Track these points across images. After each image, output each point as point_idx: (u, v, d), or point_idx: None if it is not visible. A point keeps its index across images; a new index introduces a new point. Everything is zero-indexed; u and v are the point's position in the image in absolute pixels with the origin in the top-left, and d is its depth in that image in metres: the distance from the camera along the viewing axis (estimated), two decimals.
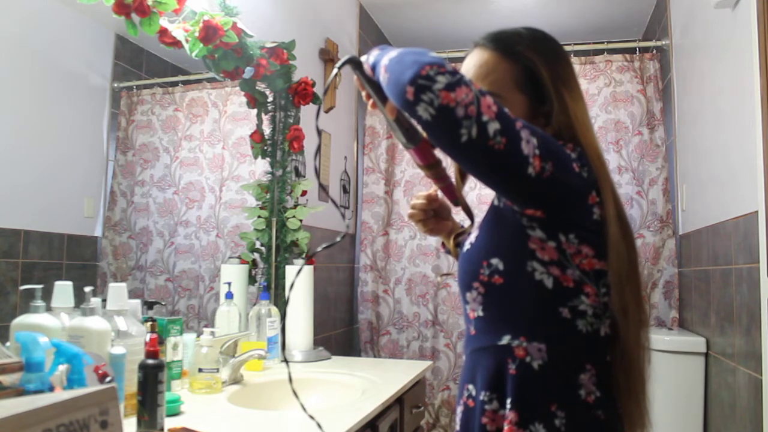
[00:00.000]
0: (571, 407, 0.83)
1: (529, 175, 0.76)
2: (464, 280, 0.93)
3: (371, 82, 0.87)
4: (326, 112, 2.77)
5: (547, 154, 0.78)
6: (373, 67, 0.84)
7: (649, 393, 0.90)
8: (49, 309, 1.19)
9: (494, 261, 0.87)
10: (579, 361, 0.85)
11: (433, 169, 0.93)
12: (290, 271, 2.02)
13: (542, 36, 0.95)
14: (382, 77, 0.79)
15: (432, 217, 1.11)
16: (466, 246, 0.93)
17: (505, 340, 0.86)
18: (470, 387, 0.92)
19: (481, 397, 0.88)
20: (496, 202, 0.92)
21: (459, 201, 1.01)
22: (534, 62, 0.91)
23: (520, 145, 0.74)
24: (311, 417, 0.95)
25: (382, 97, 0.86)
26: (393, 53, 0.80)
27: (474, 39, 0.97)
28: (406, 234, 3.14)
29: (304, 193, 2.16)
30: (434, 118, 0.70)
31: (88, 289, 1.21)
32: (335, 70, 0.89)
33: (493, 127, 0.72)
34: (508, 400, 0.84)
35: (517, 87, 0.91)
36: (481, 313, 0.90)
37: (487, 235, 0.90)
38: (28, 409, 0.57)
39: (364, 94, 0.91)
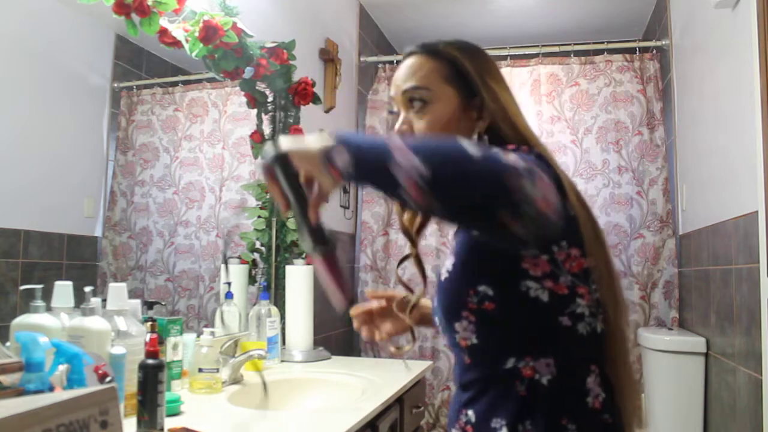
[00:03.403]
0: (582, 417, 0.82)
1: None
2: (449, 310, 0.88)
3: (293, 183, 0.77)
4: (326, 112, 2.77)
5: None
6: (362, 160, 0.70)
7: (638, 387, 0.91)
8: (49, 309, 1.19)
9: (482, 288, 0.83)
10: (585, 365, 0.84)
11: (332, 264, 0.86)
12: (290, 271, 2.02)
13: (468, 42, 0.99)
14: (417, 174, 0.66)
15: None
16: (443, 275, 0.88)
17: (510, 363, 0.84)
18: (469, 413, 0.88)
19: (493, 425, 0.84)
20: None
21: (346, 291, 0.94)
22: (456, 57, 0.94)
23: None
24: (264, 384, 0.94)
25: (302, 199, 0.78)
26: (401, 144, 0.68)
27: (403, 50, 1.01)
28: None
29: None
30: (529, 225, 0.70)
31: (88, 289, 1.21)
32: (262, 170, 0.78)
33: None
34: (521, 426, 0.82)
35: (445, 81, 0.93)
36: (475, 341, 0.86)
37: (468, 262, 0.86)
38: (28, 409, 0.57)
39: (275, 193, 0.78)
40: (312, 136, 0.74)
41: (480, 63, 0.95)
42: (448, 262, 0.89)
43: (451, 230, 0.94)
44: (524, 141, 0.90)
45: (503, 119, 0.92)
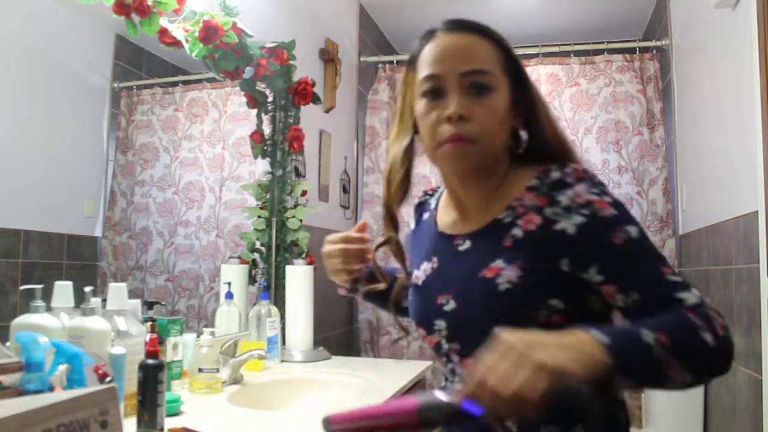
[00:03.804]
0: (620, 410, 0.86)
1: None
2: (511, 323, 0.79)
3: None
4: (326, 112, 2.77)
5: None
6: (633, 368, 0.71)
7: None
8: (49, 309, 1.19)
9: (553, 302, 0.81)
10: None
11: None
12: (290, 271, 2.02)
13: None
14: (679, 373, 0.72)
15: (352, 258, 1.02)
16: (502, 285, 0.83)
17: None
18: (508, 425, 0.85)
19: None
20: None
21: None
22: (509, 47, 0.90)
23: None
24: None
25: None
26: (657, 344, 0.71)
27: (438, 26, 0.92)
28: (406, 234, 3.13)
29: (304, 193, 2.16)
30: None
31: (88, 289, 1.21)
32: None
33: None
34: (575, 430, 0.82)
35: (501, 67, 0.88)
36: None
37: (538, 274, 0.82)
38: (28, 409, 0.57)
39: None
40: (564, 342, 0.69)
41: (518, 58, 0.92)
42: (507, 272, 0.83)
43: (502, 236, 0.87)
44: (562, 144, 0.89)
45: (543, 116, 0.89)
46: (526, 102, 0.89)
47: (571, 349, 0.68)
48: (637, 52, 3.03)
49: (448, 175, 0.93)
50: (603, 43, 3.06)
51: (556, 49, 3.11)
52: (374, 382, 1.63)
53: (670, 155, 2.93)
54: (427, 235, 0.99)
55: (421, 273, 0.96)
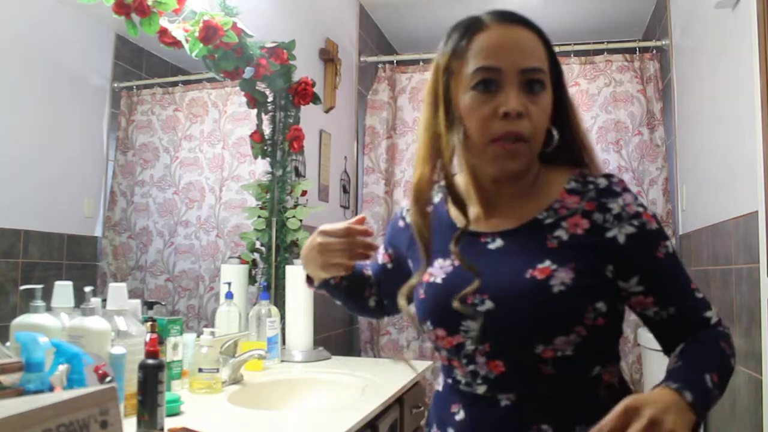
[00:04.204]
0: None
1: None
2: (560, 324, 0.82)
3: None
4: (326, 112, 2.77)
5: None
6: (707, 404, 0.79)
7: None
8: (49, 309, 1.19)
9: (599, 305, 0.82)
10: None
11: None
12: (290, 271, 2.02)
13: None
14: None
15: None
16: (557, 287, 0.81)
17: (596, 371, 0.86)
18: (544, 427, 0.84)
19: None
20: (591, 241, 0.84)
21: None
22: (553, 49, 0.90)
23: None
24: None
25: None
26: (710, 378, 0.80)
27: (485, 16, 0.87)
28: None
29: (304, 193, 2.16)
30: None
31: (88, 289, 1.21)
32: None
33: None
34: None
35: (548, 69, 0.87)
36: (570, 353, 0.83)
37: (590, 278, 0.83)
38: (28, 409, 0.57)
39: None
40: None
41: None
42: (560, 275, 0.81)
43: (545, 237, 0.86)
44: (587, 148, 0.92)
45: (571, 120, 0.90)
46: (561, 103, 0.89)
47: (680, 413, 0.74)
48: (637, 52, 3.03)
49: (483, 171, 0.89)
50: (603, 43, 3.06)
51: (556, 49, 3.10)
52: (374, 382, 1.63)
53: (670, 155, 2.93)
54: (437, 231, 0.92)
55: (437, 270, 0.90)
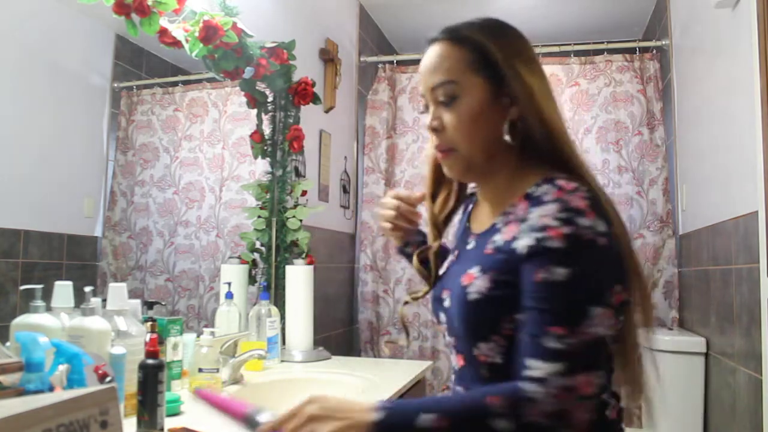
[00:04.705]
0: (602, 430, 0.83)
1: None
2: (476, 331, 0.85)
3: None
4: (326, 112, 2.77)
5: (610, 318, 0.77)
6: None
7: (641, 362, 0.87)
8: (49, 309, 1.19)
9: (520, 317, 0.80)
10: (605, 386, 0.84)
11: None
12: (290, 271, 2.02)
13: (495, 21, 0.93)
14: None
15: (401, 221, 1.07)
16: (472, 295, 0.83)
17: None
18: None
19: None
20: (520, 251, 0.81)
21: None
22: (482, 42, 0.88)
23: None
24: None
25: None
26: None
27: (426, 37, 0.94)
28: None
29: (304, 193, 2.16)
30: None
31: (88, 289, 1.21)
32: None
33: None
34: None
35: (471, 70, 0.87)
36: (499, 361, 0.83)
37: (506, 288, 0.82)
38: (28, 409, 0.57)
39: None
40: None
41: (508, 44, 0.89)
42: (478, 282, 0.83)
43: (489, 241, 0.87)
44: (550, 134, 0.85)
45: (529, 109, 0.85)
46: (509, 95, 0.87)
47: (349, 424, 0.75)
48: (637, 52, 3.03)
49: None
50: (603, 43, 3.06)
51: (556, 49, 3.11)
52: (374, 382, 1.63)
53: (670, 155, 2.93)
54: (457, 228, 1.05)
55: (447, 263, 0.99)
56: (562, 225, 0.76)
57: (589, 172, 0.85)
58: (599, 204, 0.80)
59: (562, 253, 0.76)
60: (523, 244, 0.79)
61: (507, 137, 0.86)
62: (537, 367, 0.75)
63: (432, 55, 0.91)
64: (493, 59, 0.87)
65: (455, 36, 0.90)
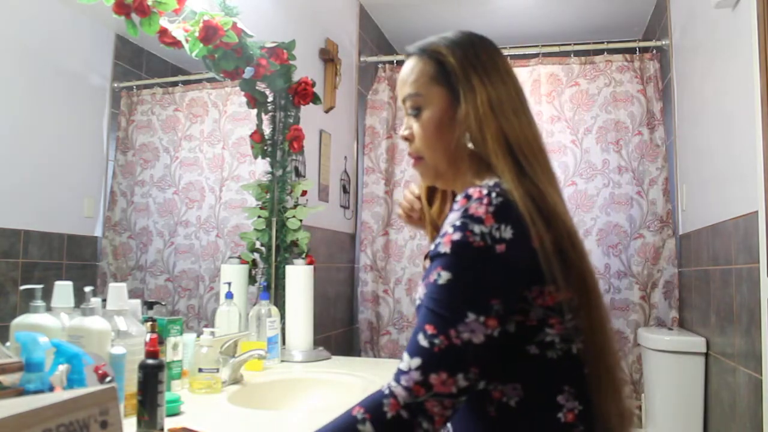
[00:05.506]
0: None
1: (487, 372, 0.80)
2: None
3: None
4: (326, 112, 2.77)
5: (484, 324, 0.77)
6: None
7: (623, 387, 0.88)
8: (49, 309, 1.19)
9: None
10: (556, 386, 0.84)
11: None
12: (290, 271, 2.02)
13: (464, 34, 0.95)
14: None
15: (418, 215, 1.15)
16: (417, 300, 0.86)
17: (481, 385, 0.84)
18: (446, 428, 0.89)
19: None
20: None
21: None
22: (441, 53, 0.92)
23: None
24: None
25: None
26: None
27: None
28: (406, 234, 3.14)
29: (304, 193, 2.16)
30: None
31: (88, 289, 1.21)
32: None
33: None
34: None
35: (432, 81, 0.93)
36: None
37: None
38: (28, 409, 0.57)
39: None
40: None
41: (468, 55, 0.91)
42: (420, 289, 0.85)
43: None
44: (483, 141, 0.87)
45: (474, 117, 0.87)
46: (463, 106, 0.90)
47: None
48: (637, 52, 3.03)
49: None
50: (603, 43, 3.06)
51: (556, 49, 3.11)
52: (374, 382, 1.63)
53: (670, 155, 2.94)
54: None
55: None
56: (454, 231, 0.79)
57: (516, 177, 0.84)
58: (508, 211, 0.79)
59: (445, 258, 0.79)
60: (432, 250, 0.83)
61: (470, 144, 0.90)
62: (404, 360, 0.78)
63: (405, 68, 0.97)
64: (450, 70, 0.92)
65: (422, 50, 0.96)
